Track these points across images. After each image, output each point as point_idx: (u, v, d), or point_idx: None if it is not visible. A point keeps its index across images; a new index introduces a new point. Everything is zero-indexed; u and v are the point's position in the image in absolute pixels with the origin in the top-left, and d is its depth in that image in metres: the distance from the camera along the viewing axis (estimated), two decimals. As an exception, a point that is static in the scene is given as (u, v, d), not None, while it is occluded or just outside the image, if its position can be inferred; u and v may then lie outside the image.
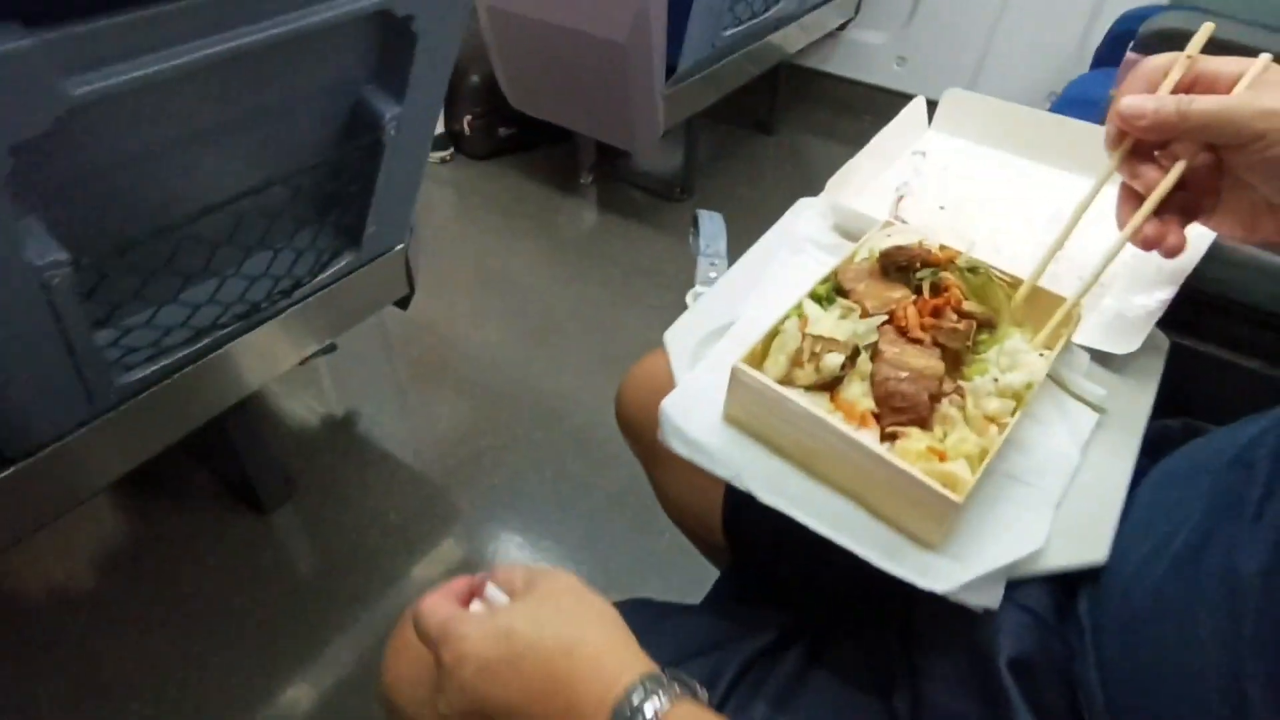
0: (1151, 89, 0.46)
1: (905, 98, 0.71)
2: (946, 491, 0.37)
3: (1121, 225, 0.50)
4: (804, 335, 0.44)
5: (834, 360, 0.42)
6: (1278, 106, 0.41)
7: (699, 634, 0.52)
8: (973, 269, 0.48)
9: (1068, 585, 0.44)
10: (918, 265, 0.48)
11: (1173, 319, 0.53)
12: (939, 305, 0.46)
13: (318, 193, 0.86)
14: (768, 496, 0.42)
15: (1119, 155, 0.48)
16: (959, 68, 2.10)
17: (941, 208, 0.62)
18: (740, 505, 0.57)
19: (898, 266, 0.48)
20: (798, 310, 0.47)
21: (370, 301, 1.14)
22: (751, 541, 0.58)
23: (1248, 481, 0.39)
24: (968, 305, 0.47)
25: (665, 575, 1.19)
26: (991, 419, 0.43)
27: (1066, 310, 0.47)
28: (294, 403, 1.46)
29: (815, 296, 0.48)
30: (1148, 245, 0.48)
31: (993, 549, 0.40)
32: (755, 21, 1.75)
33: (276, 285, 0.88)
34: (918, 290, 0.48)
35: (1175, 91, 0.45)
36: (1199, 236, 0.55)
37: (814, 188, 0.62)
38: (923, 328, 0.45)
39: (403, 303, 1.20)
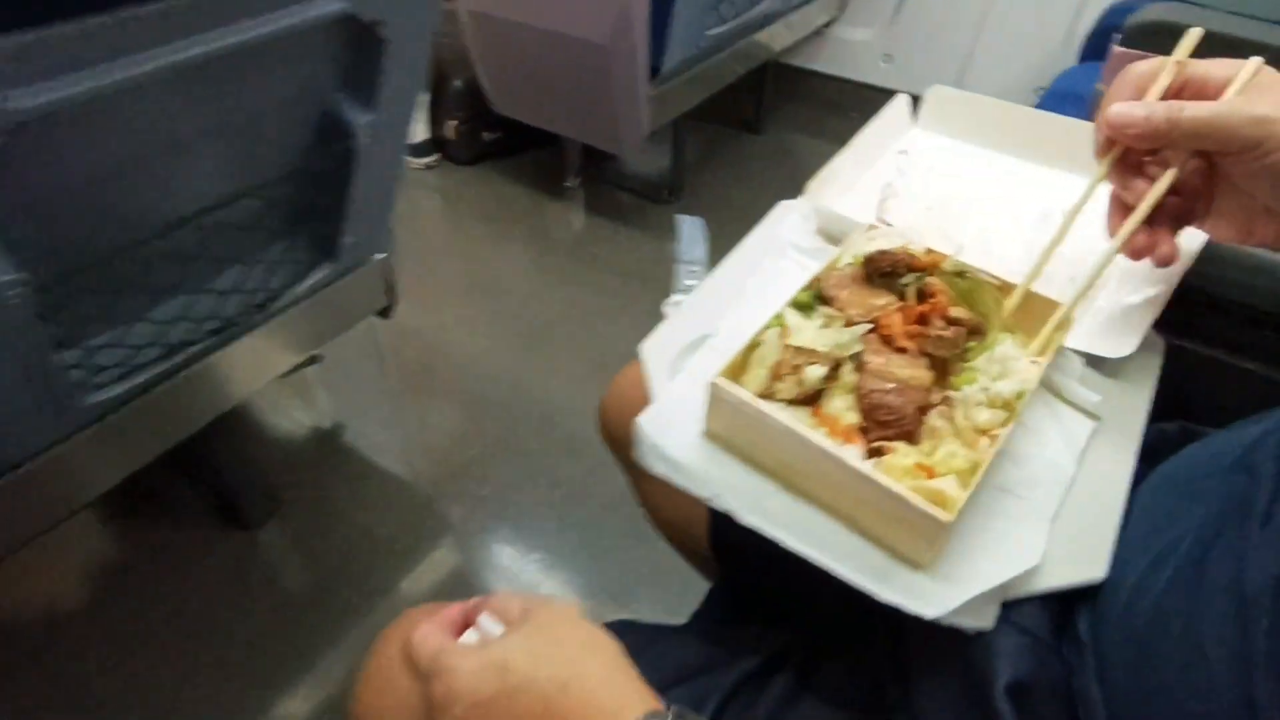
0: (1139, 95, 0.44)
1: (893, 95, 0.69)
2: (936, 511, 0.35)
3: (1112, 234, 0.48)
4: (784, 347, 0.42)
5: (815, 373, 0.41)
6: (1271, 113, 0.39)
7: (686, 657, 0.50)
8: (960, 273, 0.46)
9: (1065, 600, 0.42)
10: (903, 270, 0.46)
11: (1167, 319, 0.51)
12: (925, 312, 0.44)
13: (290, 204, 0.84)
14: (749, 517, 0.40)
15: (1108, 163, 0.46)
16: (945, 64, 2.09)
17: (927, 208, 0.60)
18: (726, 520, 0.55)
19: (882, 272, 0.47)
20: (778, 320, 0.45)
21: (351, 313, 1.12)
22: (738, 557, 0.57)
23: (1252, 486, 0.37)
24: (955, 311, 0.45)
25: (659, 584, 1.17)
26: (982, 431, 0.41)
27: (1060, 317, 0.45)
28: (279, 416, 1.44)
29: (797, 305, 0.46)
30: (1137, 255, 0.47)
31: (986, 568, 0.38)
32: (740, 20, 1.74)
33: (250, 299, 0.86)
34: (903, 296, 0.46)
35: (1165, 97, 0.44)
36: (1193, 234, 0.54)
37: (803, 187, 0.60)
38: (909, 336, 0.43)
39: (385, 313, 1.18)
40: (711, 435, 0.44)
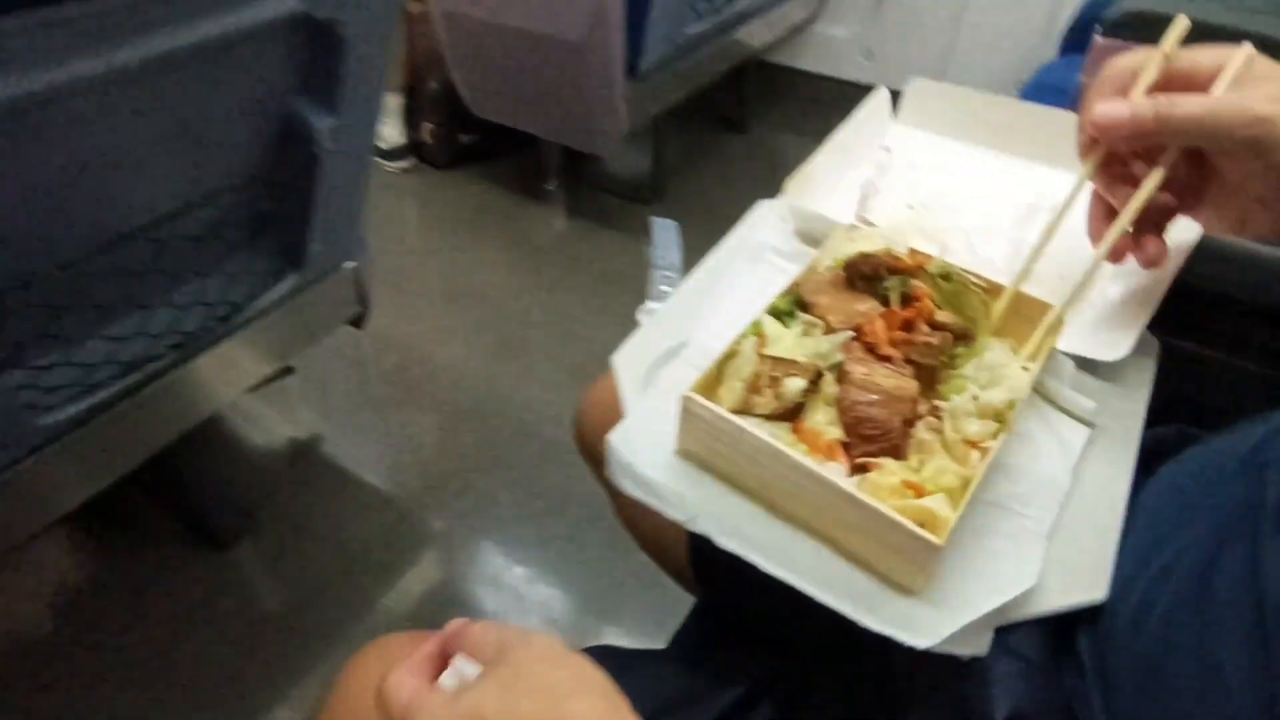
0: (1123, 91, 0.42)
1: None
2: (925, 534, 0.33)
3: (1093, 237, 0.46)
4: (761, 358, 0.39)
5: (795, 386, 0.38)
6: (1268, 111, 0.37)
7: (666, 685, 0.48)
8: (945, 275, 0.44)
9: (1063, 621, 0.40)
10: (885, 273, 0.44)
11: (1160, 317, 0.49)
12: (910, 317, 0.42)
13: (252, 213, 0.81)
14: (727, 541, 0.38)
15: (1091, 165, 0.44)
16: (926, 60, 2.07)
17: (910, 206, 0.57)
18: (706, 540, 0.52)
19: (864, 276, 0.44)
20: (755, 328, 0.42)
21: (322, 323, 1.09)
22: (720, 577, 0.54)
23: (1261, 489, 0.35)
24: (941, 316, 0.42)
25: (644, 595, 1.14)
26: (972, 443, 0.38)
27: (1051, 321, 0.43)
28: (251, 430, 1.40)
29: (775, 312, 0.44)
30: (1119, 257, 0.44)
31: (980, 592, 0.36)
32: (718, 17, 1.71)
33: (213, 312, 0.82)
34: (886, 301, 0.44)
35: (1150, 92, 0.41)
36: (1188, 225, 0.51)
37: (782, 186, 0.58)
38: (893, 343, 0.41)
39: (358, 322, 1.15)
40: (686, 453, 0.41)
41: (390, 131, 1.98)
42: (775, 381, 0.39)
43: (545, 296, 1.70)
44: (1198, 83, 0.41)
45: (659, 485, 0.40)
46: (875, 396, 0.38)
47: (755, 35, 1.97)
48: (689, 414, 0.39)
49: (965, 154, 0.64)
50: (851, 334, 0.41)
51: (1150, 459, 0.45)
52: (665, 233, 0.59)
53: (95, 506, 0.85)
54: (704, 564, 0.54)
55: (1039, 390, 0.45)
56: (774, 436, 0.37)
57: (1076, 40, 1.55)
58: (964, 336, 0.43)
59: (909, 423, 0.38)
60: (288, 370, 1.44)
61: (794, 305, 0.44)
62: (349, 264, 1.04)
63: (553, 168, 1.98)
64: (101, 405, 0.79)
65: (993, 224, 0.56)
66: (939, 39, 2.04)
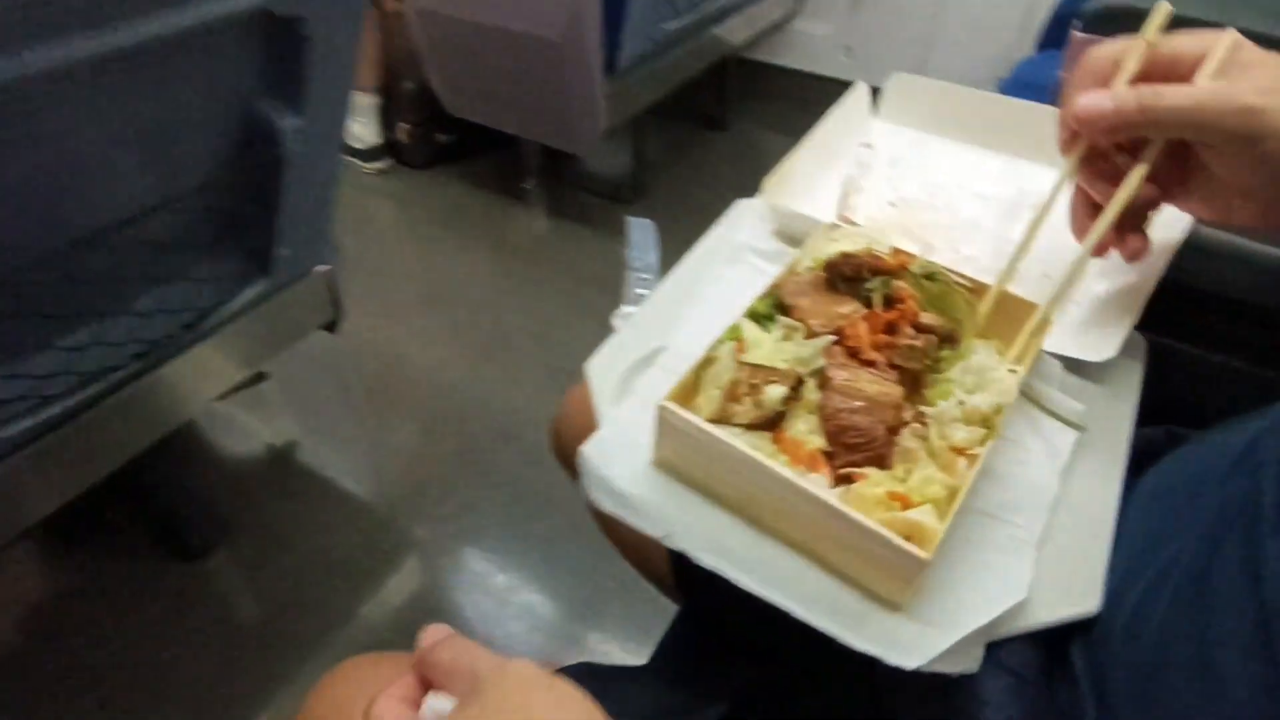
0: (1104, 81, 0.40)
1: None
2: (912, 548, 0.31)
3: (1076, 232, 0.45)
4: (739, 364, 0.38)
5: (775, 393, 0.36)
6: (1257, 102, 0.35)
7: (648, 704, 0.46)
8: (929, 275, 0.43)
9: (1055, 631, 0.38)
10: (867, 274, 0.42)
11: (1147, 315, 0.48)
12: (893, 319, 0.40)
13: (215, 217, 0.78)
14: (706, 557, 0.36)
15: (1074, 160, 0.42)
16: (905, 57, 2.07)
17: (892, 204, 0.56)
18: (687, 550, 0.50)
19: (845, 277, 0.42)
20: (733, 333, 0.40)
21: (294, 329, 1.06)
22: (702, 588, 0.52)
23: (1256, 489, 0.33)
24: (926, 317, 0.41)
25: (628, 599, 1.13)
26: (959, 450, 0.37)
27: (1037, 321, 0.41)
28: (225, 437, 1.37)
29: (754, 315, 0.42)
30: (1102, 251, 0.43)
31: (969, 606, 0.34)
32: (696, 14, 1.69)
33: (176, 320, 0.80)
34: (869, 302, 0.42)
35: (1133, 82, 0.40)
36: (1175, 220, 0.50)
37: (761, 185, 0.56)
38: (876, 347, 0.39)
39: (331, 327, 1.12)
40: (662, 464, 0.40)
41: (366, 132, 1.95)
42: (754, 389, 0.37)
43: (525, 298, 1.67)
44: (1182, 70, 0.40)
45: (634, 499, 0.38)
46: (858, 403, 0.37)
47: (735, 32, 1.96)
48: (664, 424, 0.37)
49: (947, 150, 0.62)
50: (833, 338, 0.40)
51: (1139, 461, 0.44)
52: (641, 233, 0.58)
53: (65, 517, 0.82)
54: (685, 573, 0.53)
55: (1026, 393, 0.44)
56: (753, 447, 0.36)
57: (1054, 36, 1.55)
58: (949, 338, 0.41)
59: (894, 430, 0.37)
60: (261, 376, 1.41)
61: (774, 308, 0.43)
62: (320, 268, 1.01)
63: (532, 167, 1.96)
64: (63, 416, 0.76)
65: (976, 221, 0.54)
66: (918, 35, 2.04)
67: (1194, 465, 0.42)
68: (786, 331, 0.41)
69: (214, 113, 0.69)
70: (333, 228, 0.99)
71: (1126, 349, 0.45)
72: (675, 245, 0.54)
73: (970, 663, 0.34)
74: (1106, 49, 0.41)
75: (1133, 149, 0.42)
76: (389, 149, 2.00)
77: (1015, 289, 0.44)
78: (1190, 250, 0.48)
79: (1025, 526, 0.38)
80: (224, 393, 1.08)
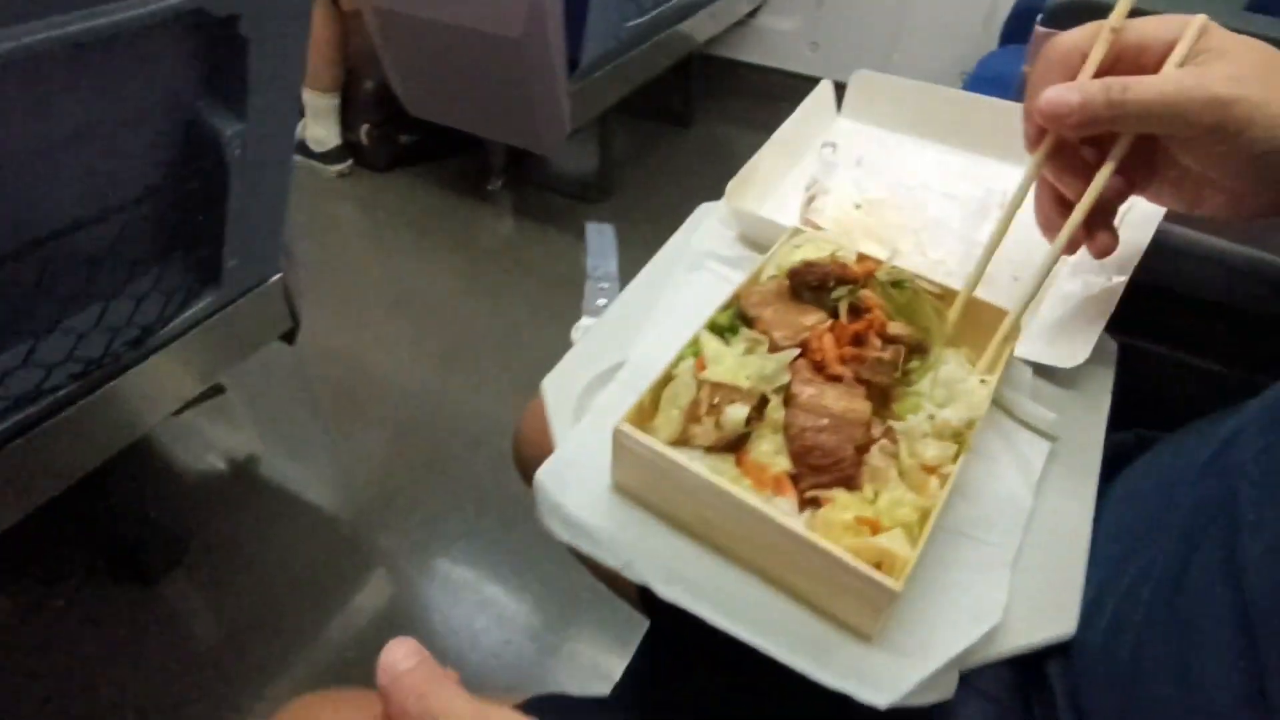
0: (1070, 73, 0.39)
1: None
2: (882, 578, 0.30)
3: (1043, 227, 0.44)
4: (699, 383, 0.36)
5: (736, 414, 0.34)
6: (1228, 92, 0.34)
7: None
8: (896, 283, 0.41)
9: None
10: (832, 283, 0.40)
11: (1117, 316, 0.46)
12: (860, 330, 0.38)
13: (158, 228, 0.75)
14: (666, 589, 0.34)
15: (1041, 155, 0.41)
16: (871, 51, 2.07)
17: (857, 206, 0.54)
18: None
19: (809, 286, 0.41)
20: (693, 348, 0.38)
21: (249, 340, 1.02)
22: (668, 606, 0.50)
23: (1230, 491, 0.32)
24: (893, 327, 0.39)
25: (602, 609, 1.11)
26: (930, 469, 0.35)
27: (1007, 329, 0.40)
28: (183, 451, 1.33)
29: (715, 328, 0.40)
30: (1072, 249, 0.42)
31: (943, 633, 0.33)
32: (660, 11, 1.67)
33: (119, 337, 0.76)
34: (835, 312, 0.40)
35: (1100, 73, 0.38)
36: (1144, 220, 0.49)
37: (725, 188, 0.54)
38: (843, 360, 0.37)
39: (289, 337, 1.08)
40: (621, 488, 0.37)
41: (325, 134, 1.91)
42: (715, 409, 0.35)
43: (492, 301, 1.64)
44: (1149, 58, 0.38)
45: (591, 528, 0.36)
46: (825, 421, 0.35)
47: (699, 28, 1.94)
48: (621, 448, 0.35)
49: (912, 149, 0.61)
50: (798, 351, 0.38)
51: (1109, 465, 0.42)
52: (601, 239, 0.55)
53: (13, 539, 0.78)
54: (652, 593, 0.50)
55: (997, 401, 0.42)
56: (715, 471, 0.34)
57: (1016, 30, 1.55)
58: (918, 348, 0.40)
59: (862, 449, 0.35)
60: (218, 390, 1.37)
61: (736, 319, 0.41)
62: (275, 277, 0.98)
63: (497, 168, 1.92)
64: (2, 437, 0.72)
65: (943, 222, 0.53)
66: (884, 30, 2.04)
67: (1166, 468, 0.41)
68: (749, 345, 0.39)
69: (151, 118, 0.66)
70: (286, 235, 0.95)
71: (1097, 353, 0.44)
72: (643, 244, 0.53)
73: (945, 691, 0.32)
74: (1071, 38, 0.39)
75: (1100, 141, 0.40)
76: (350, 151, 1.96)
77: (984, 293, 0.42)
78: (1160, 250, 0.47)
79: (998, 545, 0.36)
80: (179, 408, 1.04)
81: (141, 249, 0.73)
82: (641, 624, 0.59)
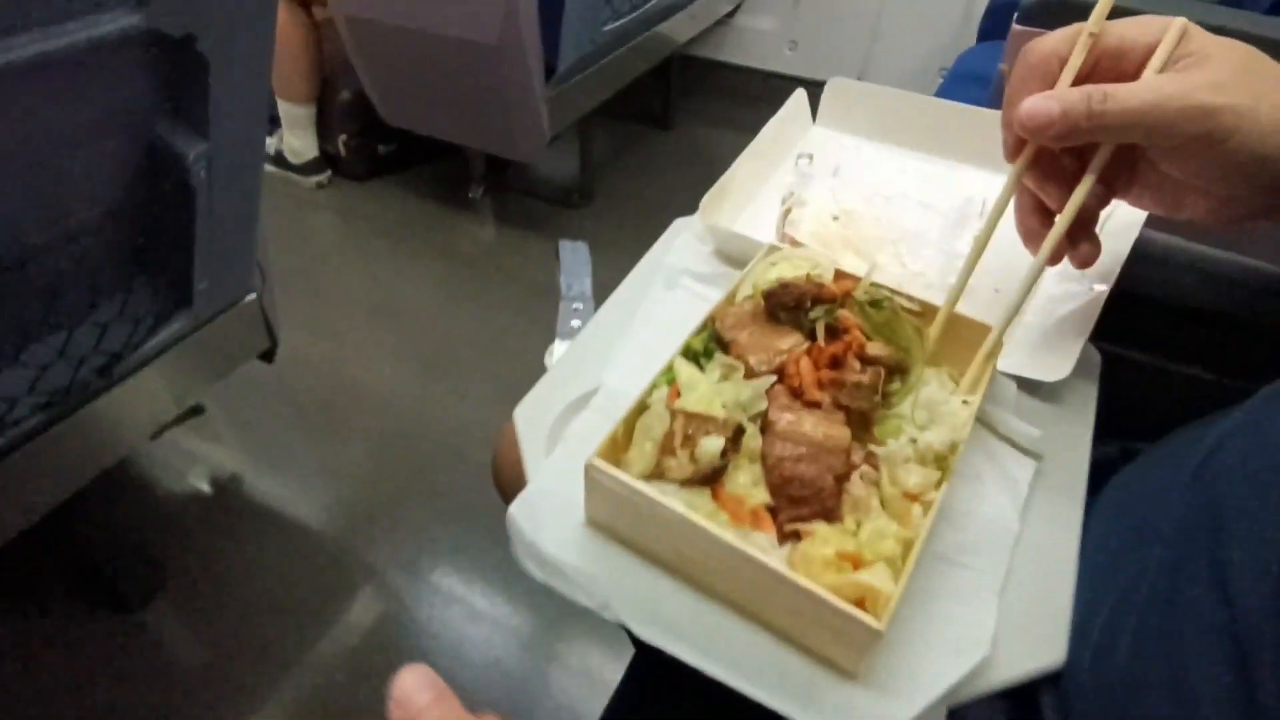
0: (1048, 81, 0.38)
1: (800, 82, 0.62)
2: (865, 618, 0.29)
3: (1025, 238, 0.43)
4: (673, 413, 0.35)
5: (712, 447, 0.33)
6: (1212, 101, 0.33)
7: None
8: (874, 302, 0.40)
9: None
10: (808, 303, 0.39)
11: (1099, 325, 0.46)
12: (837, 353, 0.37)
13: (122, 252, 0.73)
14: (645, 630, 0.33)
15: (1021, 165, 0.40)
16: (850, 50, 2.06)
17: (835, 218, 0.53)
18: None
19: (785, 306, 0.40)
20: (667, 375, 0.37)
21: (226, 361, 1.00)
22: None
23: (1216, 502, 0.31)
24: (872, 348, 0.38)
25: (590, 624, 1.09)
26: (913, 496, 0.34)
27: (991, 344, 0.39)
28: (161, 472, 1.30)
29: (690, 352, 0.39)
30: (1055, 260, 0.41)
31: (930, 668, 0.32)
32: (636, 14, 1.66)
33: (87, 365, 0.74)
34: (812, 334, 0.39)
35: (1079, 78, 0.37)
36: (1125, 229, 0.49)
37: (716, 181, 0.53)
38: (820, 385, 0.36)
39: (268, 355, 1.06)
40: (596, 523, 0.36)
41: (302, 145, 1.88)
42: (689, 441, 0.34)
43: (474, 310, 1.63)
44: (1130, 63, 0.37)
45: (566, 566, 0.35)
46: (803, 449, 0.34)
47: (678, 30, 1.93)
48: (593, 483, 0.34)
49: (889, 157, 0.60)
50: (774, 378, 0.37)
51: (1094, 479, 0.42)
52: (574, 256, 0.54)
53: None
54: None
55: (980, 418, 0.41)
56: (691, 506, 0.33)
57: (994, 25, 1.55)
58: (898, 369, 0.39)
59: (842, 478, 0.34)
60: (197, 410, 1.35)
61: (711, 343, 0.40)
62: (250, 297, 0.96)
63: (477, 175, 1.91)
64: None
65: (922, 233, 0.52)
66: (862, 27, 2.03)
67: (1152, 479, 0.40)
68: (725, 370, 0.38)
69: (109, 140, 0.64)
70: (260, 252, 0.94)
71: (1081, 364, 0.43)
72: (627, 249, 0.52)
73: (934, 727, 0.31)
74: (1049, 43, 0.38)
75: (1081, 149, 0.40)
76: (328, 162, 1.94)
77: (965, 305, 0.41)
78: (1141, 258, 0.47)
79: (985, 571, 0.35)
80: (156, 432, 1.02)
81: (105, 275, 0.71)
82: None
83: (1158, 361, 0.51)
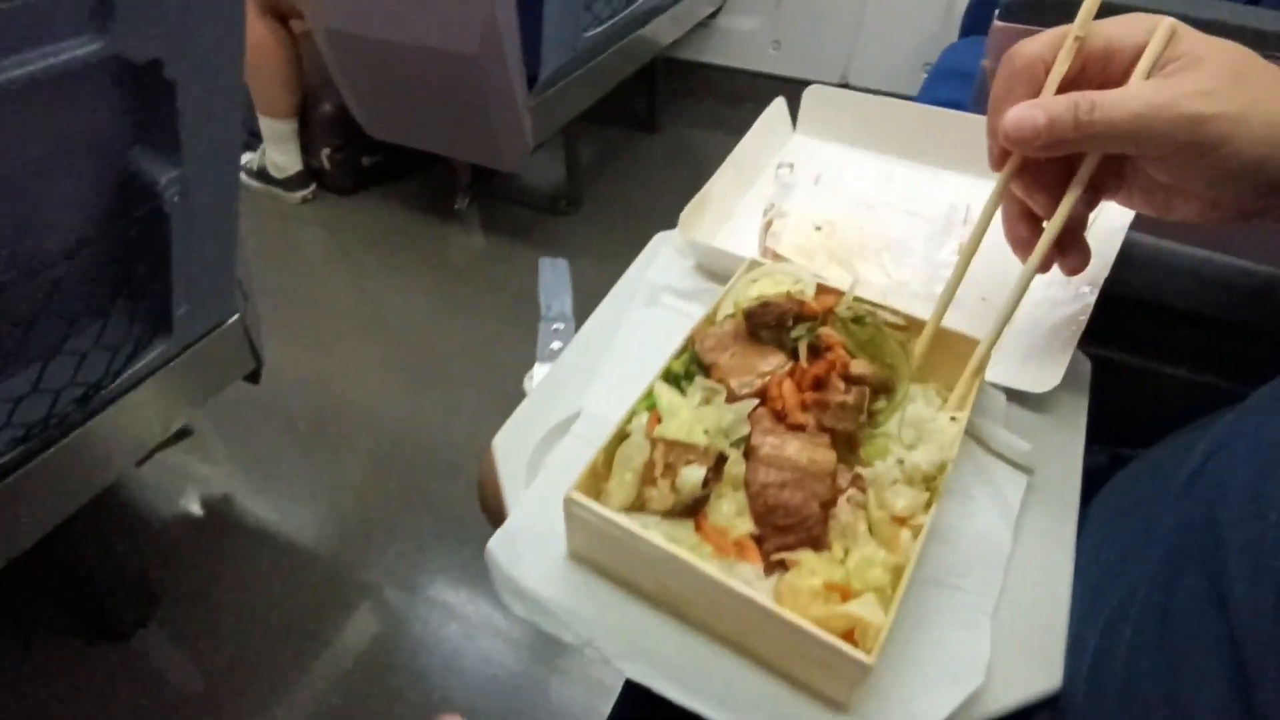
0: (1033, 87, 0.37)
1: (784, 82, 0.62)
2: (854, 652, 0.28)
3: (1013, 244, 0.42)
4: (653, 442, 0.34)
5: (693, 477, 0.32)
6: (1204, 109, 0.32)
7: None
8: (858, 319, 0.39)
9: None
10: (790, 321, 0.39)
11: (1087, 328, 0.45)
12: (820, 374, 0.36)
13: (98, 281, 0.71)
14: (631, 667, 0.32)
15: (1007, 174, 0.39)
16: (834, 48, 2.05)
17: (817, 228, 0.52)
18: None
19: (766, 325, 0.39)
20: (647, 401, 0.36)
21: (211, 384, 0.99)
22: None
23: (1211, 511, 0.31)
24: (856, 366, 0.37)
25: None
26: (901, 520, 0.33)
27: (979, 361, 0.38)
28: (152, 494, 1.29)
29: (670, 376, 0.38)
30: (1044, 268, 0.40)
31: (924, 698, 0.31)
32: (617, 19, 1.65)
33: (64, 397, 0.73)
34: (795, 353, 0.38)
35: (1065, 83, 0.36)
36: (1112, 231, 0.48)
37: (704, 183, 0.52)
38: (804, 407, 0.36)
39: (253, 377, 1.05)
40: (577, 556, 0.35)
41: (286, 160, 1.87)
42: (670, 470, 0.33)
43: (463, 321, 1.62)
44: (1117, 66, 0.36)
45: (548, 601, 0.34)
46: (787, 475, 0.33)
47: (661, 32, 1.92)
48: (573, 516, 0.33)
49: (871, 164, 0.59)
50: (757, 401, 0.36)
51: (1085, 489, 0.41)
52: (554, 274, 0.53)
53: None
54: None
55: (970, 432, 0.41)
56: (673, 538, 0.32)
57: (976, 21, 1.54)
58: (883, 387, 0.38)
59: (828, 504, 0.33)
60: (185, 433, 1.34)
61: (692, 365, 0.39)
62: (232, 318, 0.94)
63: (463, 185, 1.89)
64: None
65: (906, 242, 0.51)
66: (845, 26, 2.02)
67: (1144, 488, 0.40)
68: (706, 394, 0.37)
69: (79, 168, 0.63)
70: (243, 273, 0.92)
71: (1070, 372, 0.43)
72: (616, 254, 0.51)
73: (928, 759, 0.31)
74: (1033, 48, 0.37)
75: (1068, 160, 0.39)
76: (312, 176, 1.92)
77: (952, 315, 0.40)
78: (1129, 261, 0.46)
79: (977, 593, 0.35)
80: (142, 458, 1.01)
81: (80, 304, 0.70)
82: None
83: (1147, 364, 0.50)
